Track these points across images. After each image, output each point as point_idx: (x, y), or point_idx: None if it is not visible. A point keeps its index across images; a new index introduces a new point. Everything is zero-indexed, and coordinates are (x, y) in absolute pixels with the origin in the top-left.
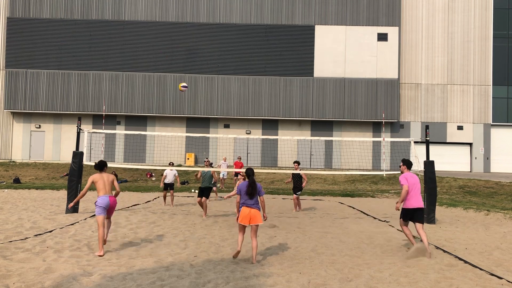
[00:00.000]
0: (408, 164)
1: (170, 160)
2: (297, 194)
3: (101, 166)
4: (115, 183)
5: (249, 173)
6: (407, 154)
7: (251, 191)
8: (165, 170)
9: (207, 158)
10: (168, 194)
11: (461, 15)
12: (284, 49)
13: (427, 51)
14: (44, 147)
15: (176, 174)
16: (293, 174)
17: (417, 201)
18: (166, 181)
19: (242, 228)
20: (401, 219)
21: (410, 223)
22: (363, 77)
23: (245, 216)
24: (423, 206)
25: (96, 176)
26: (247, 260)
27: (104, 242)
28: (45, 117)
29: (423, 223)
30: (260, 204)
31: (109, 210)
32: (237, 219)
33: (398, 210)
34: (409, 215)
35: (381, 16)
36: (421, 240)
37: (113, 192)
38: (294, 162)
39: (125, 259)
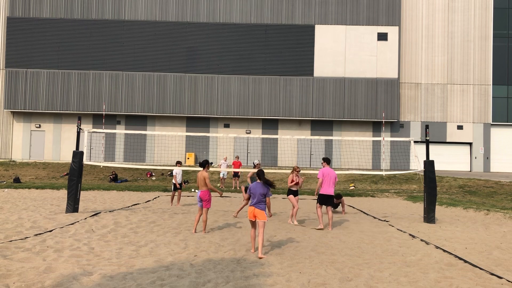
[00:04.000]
0: (327, 160)
1: (170, 159)
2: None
3: (202, 165)
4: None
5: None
6: (407, 153)
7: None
8: (173, 169)
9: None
10: (176, 193)
11: (461, 15)
12: (284, 49)
13: (427, 50)
14: (44, 146)
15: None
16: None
17: (328, 190)
18: (178, 181)
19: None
20: (318, 203)
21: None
22: (363, 77)
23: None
24: (333, 194)
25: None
26: (247, 259)
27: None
28: (45, 117)
29: (332, 206)
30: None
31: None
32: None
33: (316, 195)
34: (323, 200)
35: (381, 16)
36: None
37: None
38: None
39: (125, 258)
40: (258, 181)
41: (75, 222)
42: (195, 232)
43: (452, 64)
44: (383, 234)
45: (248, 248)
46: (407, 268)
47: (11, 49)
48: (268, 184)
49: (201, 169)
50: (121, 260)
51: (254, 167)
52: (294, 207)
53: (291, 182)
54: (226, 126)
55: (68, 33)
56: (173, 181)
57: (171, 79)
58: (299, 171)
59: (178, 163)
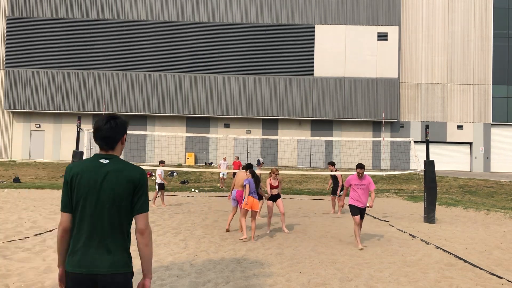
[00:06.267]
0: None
1: (170, 159)
2: (339, 195)
3: (246, 167)
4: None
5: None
6: (407, 153)
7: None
8: (157, 169)
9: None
10: (159, 193)
11: (461, 15)
12: (284, 49)
13: (427, 50)
14: (44, 146)
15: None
16: (331, 176)
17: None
18: (160, 181)
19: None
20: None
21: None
22: (363, 77)
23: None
24: (359, 206)
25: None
26: (247, 259)
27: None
28: (45, 117)
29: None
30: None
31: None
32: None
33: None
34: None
35: (381, 16)
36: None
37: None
38: (329, 164)
39: None
40: (251, 177)
41: None
42: (228, 231)
43: (452, 64)
44: (383, 234)
45: (249, 248)
46: (407, 268)
47: (11, 49)
48: (256, 182)
49: (243, 170)
50: None
51: (258, 165)
52: (268, 214)
53: (269, 187)
54: (226, 126)
55: (68, 33)
56: (157, 180)
57: (171, 79)
58: (277, 173)
59: (161, 162)
